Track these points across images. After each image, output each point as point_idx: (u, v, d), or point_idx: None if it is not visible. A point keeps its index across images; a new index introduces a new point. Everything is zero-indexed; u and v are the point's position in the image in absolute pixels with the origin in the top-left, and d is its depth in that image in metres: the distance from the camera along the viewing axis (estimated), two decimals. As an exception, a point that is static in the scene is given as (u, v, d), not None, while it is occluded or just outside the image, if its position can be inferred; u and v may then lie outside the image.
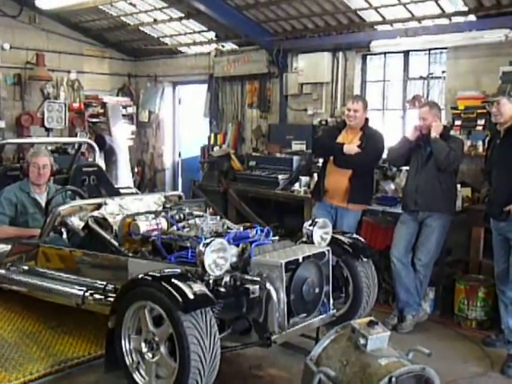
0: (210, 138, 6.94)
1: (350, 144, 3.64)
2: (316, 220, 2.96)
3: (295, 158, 5.49)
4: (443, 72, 4.93)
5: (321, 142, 3.86)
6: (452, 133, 4.00)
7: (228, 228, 3.10)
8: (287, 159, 5.54)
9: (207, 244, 2.50)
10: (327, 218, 3.17)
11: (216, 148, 6.65)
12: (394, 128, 5.25)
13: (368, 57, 5.51)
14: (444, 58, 4.93)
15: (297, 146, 5.84)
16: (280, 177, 5.31)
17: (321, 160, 4.15)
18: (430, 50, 5.04)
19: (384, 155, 3.85)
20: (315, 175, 4.55)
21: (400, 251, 3.60)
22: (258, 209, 5.46)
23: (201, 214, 3.30)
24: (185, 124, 7.98)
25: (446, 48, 4.84)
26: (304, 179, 5.05)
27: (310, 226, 2.96)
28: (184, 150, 8.06)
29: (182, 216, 3.27)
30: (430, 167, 3.49)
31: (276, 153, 5.84)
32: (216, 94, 6.73)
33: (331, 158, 3.69)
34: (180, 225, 3.13)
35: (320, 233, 2.92)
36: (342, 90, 5.59)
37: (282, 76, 6.13)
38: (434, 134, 3.40)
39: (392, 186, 4.40)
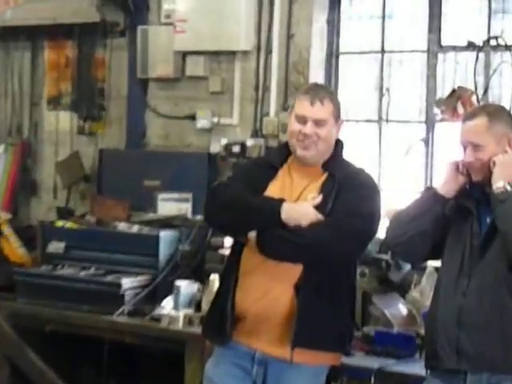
0: None
1: (300, 202, 2.98)
2: None
3: (164, 234, 4.48)
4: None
5: (228, 198, 3.05)
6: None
7: None
8: (144, 239, 4.57)
9: None
10: None
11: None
12: (403, 166, 4.53)
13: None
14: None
15: (169, 204, 4.95)
16: (126, 282, 4.30)
17: (228, 241, 3.82)
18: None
19: (379, 232, 3.18)
20: (214, 279, 4.05)
21: None
22: (67, 366, 4.21)
23: None
24: None
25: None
26: (186, 289, 4.24)
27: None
28: None
29: None
30: (492, 262, 2.91)
31: (116, 221, 4.72)
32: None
33: (252, 236, 2.94)
34: None
35: None
36: (281, 72, 4.75)
37: (136, 32, 5.11)
38: (502, 182, 2.84)
39: (401, 309, 3.92)
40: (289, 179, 2.99)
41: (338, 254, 2.88)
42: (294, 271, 2.88)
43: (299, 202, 2.91)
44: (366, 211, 2.89)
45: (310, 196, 2.93)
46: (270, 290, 2.91)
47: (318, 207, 2.89)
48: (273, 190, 2.96)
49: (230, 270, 3.04)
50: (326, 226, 2.85)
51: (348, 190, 2.90)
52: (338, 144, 3.04)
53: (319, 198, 2.88)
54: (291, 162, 2.99)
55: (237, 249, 3.05)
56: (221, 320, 2.99)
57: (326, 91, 3.07)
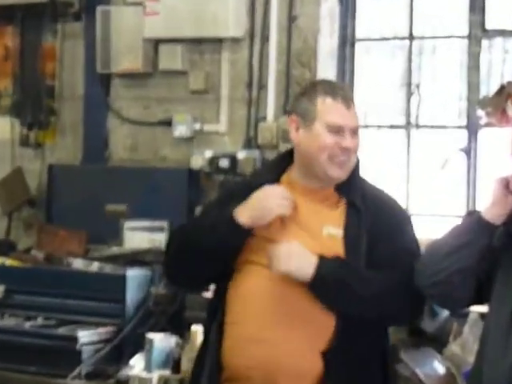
0: None
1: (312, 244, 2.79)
2: None
3: (132, 274, 4.34)
4: None
5: (178, 241, 2.95)
6: None
7: None
8: (107, 280, 4.41)
9: None
10: None
11: None
12: (438, 183, 4.45)
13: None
14: None
15: (139, 235, 4.81)
16: (83, 335, 4.16)
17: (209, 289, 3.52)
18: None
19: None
20: (196, 330, 3.81)
21: None
22: None
23: None
24: None
25: None
26: (161, 344, 4.09)
27: None
28: None
29: None
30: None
31: (71, 257, 4.55)
32: None
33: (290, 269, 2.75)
34: None
35: None
36: (281, 65, 4.62)
37: (94, 15, 4.90)
38: None
39: (437, 367, 3.67)
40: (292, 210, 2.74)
41: (408, 312, 2.77)
42: (319, 327, 2.62)
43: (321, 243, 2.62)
44: (418, 252, 2.70)
45: (330, 232, 2.67)
46: (281, 344, 2.62)
47: (347, 247, 2.64)
48: (268, 229, 2.64)
49: (213, 318, 2.78)
50: (392, 277, 2.67)
51: (386, 226, 2.69)
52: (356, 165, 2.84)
53: (338, 236, 2.68)
54: (289, 182, 2.70)
55: (220, 295, 2.76)
56: (210, 376, 2.72)
57: (348, 89, 2.97)
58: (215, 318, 2.76)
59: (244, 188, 2.83)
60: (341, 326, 2.62)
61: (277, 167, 2.79)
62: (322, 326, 2.65)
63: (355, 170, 2.77)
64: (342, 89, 2.80)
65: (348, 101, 2.69)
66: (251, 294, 2.68)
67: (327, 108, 2.67)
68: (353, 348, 2.66)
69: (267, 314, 2.70)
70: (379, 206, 2.77)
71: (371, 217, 2.72)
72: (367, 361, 2.75)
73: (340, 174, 2.68)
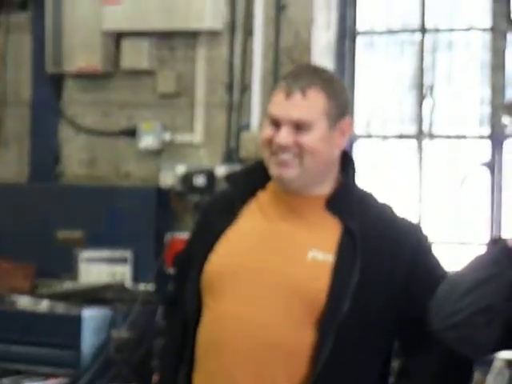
0: None
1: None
2: None
3: (89, 315, 4.28)
4: None
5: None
6: None
7: None
8: (59, 322, 4.29)
9: None
10: None
11: None
12: (457, 203, 4.44)
13: None
14: None
15: (97, 268, 4.79)
16: None
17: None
18: None
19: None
20: None
21: None
22: None
23: None
24: None
25: None
26: None
27: None
28: None
29: None
30: None
31: (15, 295, 4.58)
32: None
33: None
34: None
35: None
36: (267, 63, 4.62)
37: (43, 4, 4.87)
38: None
39: None
40: (267, 224, 2.48)
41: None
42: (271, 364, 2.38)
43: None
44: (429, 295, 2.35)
45: (315, 256, 2.44)
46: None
47: (335, 275, 2.34)
48: (231, 248, 2.39)
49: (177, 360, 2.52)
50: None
51: (401, 261, 2.34)
52: (346, 161, 2.56)
53: (328, 263, 2.41)
54: (275, 191, 2.47)
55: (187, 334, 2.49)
56: None
57: (316, 76, 2.57)
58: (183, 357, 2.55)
59: (223, 200, 2.81)
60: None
61: (261, 171, 2.76)
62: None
63: (347, 184, 2.64)
64: (299, 74, 2.56)
65: (293, 87, 2.49)
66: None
67: (272, 98, 2.57)
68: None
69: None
70: (385, 231, 2.71)
71: (371, 245, 2.67)
72: None
73: (280, 173, 2.43)
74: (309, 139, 2.43)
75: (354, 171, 2.48)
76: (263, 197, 2.49)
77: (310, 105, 2.41)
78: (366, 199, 2.43)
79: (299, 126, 2.41)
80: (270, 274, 2.34)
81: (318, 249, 2.33)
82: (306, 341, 2.32)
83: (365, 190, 2.42)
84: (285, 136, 2.42)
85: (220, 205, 2.57)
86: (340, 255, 2.34)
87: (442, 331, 2.62)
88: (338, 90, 2.45)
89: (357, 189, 2.45)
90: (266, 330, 2.36)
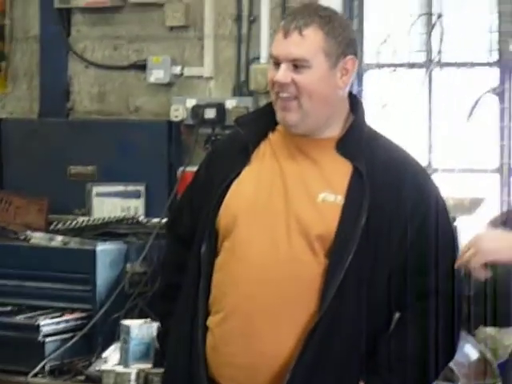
0: None
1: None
2: None
3: (103, 249, 4.31)
4: None
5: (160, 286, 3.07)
6: None
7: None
8: (73, 257, 4.32)
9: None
10: None
11: None
12: (463, 135, 4.41)
13: None
14: None
15: (109, 202, 4.82)
16: (46, 323, 4.06)
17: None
18: None
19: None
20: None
21: None
22: None
23: None
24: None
25: None
26: (139, 332, 4.08)
27: None
28: None
29: None
30: None
31: (29, 231, 4.56)
32: None
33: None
34: None
35: None
36: None
37: None
38: None
39: (469, 352, 4.01)
40: (279, 166, 2.60)
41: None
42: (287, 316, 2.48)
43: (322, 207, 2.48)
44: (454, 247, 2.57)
45: (326, 198, 2.57)
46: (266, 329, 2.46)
47: (344, 217, 2.52)
48: (245, 190, 2.54)
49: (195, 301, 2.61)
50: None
51: (403, 203, 2.51)
52: (354, 102, 2.62)
53: (338, 206, 2.56)
54: (283, 134, 2.60)
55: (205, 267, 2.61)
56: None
57: (315, 14, 2.63)
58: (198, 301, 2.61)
59: (234, 143, 2.72)
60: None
61: (271, 113, 2.61)
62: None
63: (357, 125, 2.62)
64: (297, 13, 2.64)
65: (289, 27, 2.56)
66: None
67: (274, 38, 2.65)
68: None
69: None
70: (392, 172, 2.58)
71: (379, 186, 2.55)
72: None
73: (283, 117, 2.57)
74: (306, 78, 2.49)
75: (363, 112, 2.57)
76: (274, 139, 2.58)
77: (306, 43, 2.50)
78: (375, 139, 2.53)
79: (297, 65, 2.49)
80: (283, 216, 2.44)
81: (329, 191, 2.45)
82: (317, 278, 2.40)
83: (376, 130, 2.55)
84: (282, 74, 2.49)
85: (232, 148, 2.66)
86: (349, 196, 2.47)
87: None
88: (337, 28, 2.52)
89: (367, 129, 2.57)
90: (282, 265, 2.45)
